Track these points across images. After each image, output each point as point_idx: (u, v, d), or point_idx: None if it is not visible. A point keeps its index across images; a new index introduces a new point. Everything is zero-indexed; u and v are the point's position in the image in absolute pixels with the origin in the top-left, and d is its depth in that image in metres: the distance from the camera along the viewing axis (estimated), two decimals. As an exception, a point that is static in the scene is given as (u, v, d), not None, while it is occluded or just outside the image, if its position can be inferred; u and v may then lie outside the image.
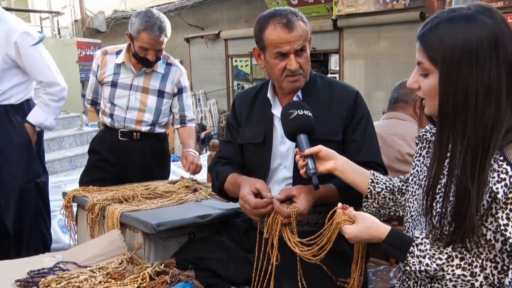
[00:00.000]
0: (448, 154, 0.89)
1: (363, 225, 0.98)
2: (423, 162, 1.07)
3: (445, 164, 0.89)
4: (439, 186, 0.91)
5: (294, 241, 1.12)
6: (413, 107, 1.86)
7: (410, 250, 0.91)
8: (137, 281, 1.15)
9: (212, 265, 1.34)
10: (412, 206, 1.05)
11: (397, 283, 1.10)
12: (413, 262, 0.90)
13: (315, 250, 1.08)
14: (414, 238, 0.92)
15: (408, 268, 0.92)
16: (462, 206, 0.84)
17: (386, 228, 0.96)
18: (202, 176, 3.19)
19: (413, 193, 1.07)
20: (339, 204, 1.05)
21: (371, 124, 1.40)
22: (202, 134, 9.40)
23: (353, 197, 1.24)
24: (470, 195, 0.83)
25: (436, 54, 0.89)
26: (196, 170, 2.02)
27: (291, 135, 1.19)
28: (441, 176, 0.91)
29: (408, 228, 1.05)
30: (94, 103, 2.32)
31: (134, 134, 2.15)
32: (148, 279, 1.16)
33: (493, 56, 0.85)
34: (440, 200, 0.91)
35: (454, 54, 0.86)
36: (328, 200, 1.28)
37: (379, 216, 1.19)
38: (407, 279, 1.05)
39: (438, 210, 0.90)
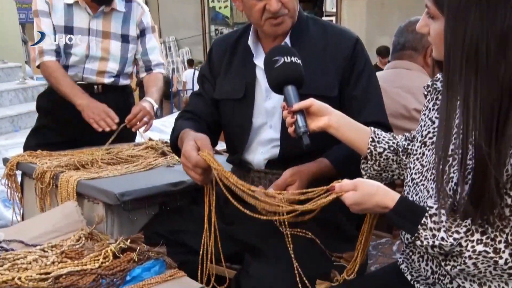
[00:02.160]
0: (458, 114, 0.87)
1: (366, 191, 0.96)
2: (428, 116, 1.06)
3: (454, 124, 0.88)
4: (452, 147, 0.90)
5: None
6: (423, 55, 1.83)
7: (422, 221, 0.90)
8: (98, 260, 1.14)
9: (187, 240, 1.35)
10: (414, 168, 1.05)
11: (400, 258, 1.12)
12: (426, 235, 0.90)
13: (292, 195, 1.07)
14: (427, 208, 0.92)
15: (419, 242, 0.91)
16: (478, 177, 0.83)
17: (394, 195, 0.95)
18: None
19: (415, 152, 1.06)
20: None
21: (374, 76, 1.38)
22: (174, 88, 9.24)
23: (352, 171, 1.24)
24: (486, 164, 0.81)
25: None
26: (137, 126, 1.95)
27: (277, 87, 1.17)
28: (452, 138, 0.89)
29: (408, 194, 1.05)
30: (58, 54, 2.14)
31: (95, 87, 2.10)
32: (111, 257, 1.16)
33: None
34: (455, 164, 0.89)
35: None
36: (322, 177, 1.28)
37: (380, 180, 1.20)
38: (411, 253, 1.06)
39: (452, 175, 0.89)
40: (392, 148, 1.17)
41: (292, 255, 1.18)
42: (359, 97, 1.34)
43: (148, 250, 1.18)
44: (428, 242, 0.90)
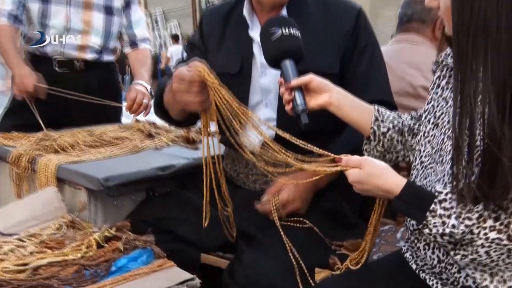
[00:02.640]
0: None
1: (370, 172, 0.97)
2: (441, 95, 1.06)
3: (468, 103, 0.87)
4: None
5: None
6: (431, 28, 1.81)
7: (431, 208, 0.89)
8: (81, 249, 1.14)
9: (176, 228, 1.35)
10: (424, 150, 1.05)
11: (404, 246, 1.12)
12: (435, 223, 0.89)
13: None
14: (436, 194, 0.91)
15: (427, 230, 0.91)
16: (489, 158, 0.83)
17: (400, 180, 0.94)
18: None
19: (426, 134, 1.06)
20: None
21: (378, 52, 1.38)
22: (162, 64, 9.17)
23: None
24: (499, 145, 0.81)
25: None
26: (139, 111, 2.00)
27: (274, 62, 1.16)
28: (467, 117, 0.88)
29: (416, 177, 1.05)
30: (16, 20, 2.09)
31: (76, 63, 2.08)
32: (95, 247, 1.16)
33: None
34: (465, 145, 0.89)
35: None
36: (323, 179, 1.26)
37: (384, 162, 1.19)
38: (416, 241, 1.06)
39: (466, 157, 0.89)
40: (397, 128, 1.16)
41: (288, 243, 1.19)
42: (362, 75, 1.34)
43: (135, 239, 1.18)
44: (438, 230, 0.89)
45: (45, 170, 1.48)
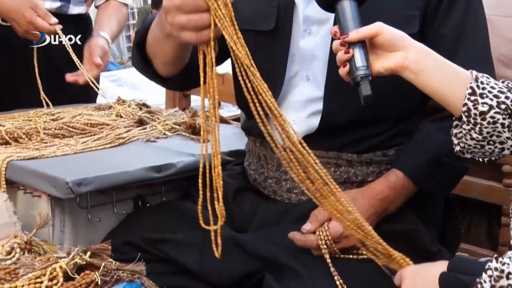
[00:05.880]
0: None
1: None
2: None
3: None
4: None
5: None
6: None
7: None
8: (42, 282, 1.14)
9: (176, 254, 1.36)
10: None
11: None
12: None
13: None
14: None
15: None
16: None
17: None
18: (159, 99, 3.16)
19: None
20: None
21: (476, 3, 1.38)
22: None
23: (442, 186, 1.31)
24: None
25: None
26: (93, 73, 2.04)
27: (327, 1, 1.17)
28: None
29: None
30: None
31: None
32: (61, 279, 1.16)
33: None
34: None
35: None
36: (395, 201, 1.32)
37: (482, 154, 1.19)
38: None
39: None
40: (503, 106, 1.13)
41: (339, 279, 1.20)
42: (450, 34, 1.33)
43: (118, 268, 1.20)
44: None
45: (-11, 169, 1.50)
